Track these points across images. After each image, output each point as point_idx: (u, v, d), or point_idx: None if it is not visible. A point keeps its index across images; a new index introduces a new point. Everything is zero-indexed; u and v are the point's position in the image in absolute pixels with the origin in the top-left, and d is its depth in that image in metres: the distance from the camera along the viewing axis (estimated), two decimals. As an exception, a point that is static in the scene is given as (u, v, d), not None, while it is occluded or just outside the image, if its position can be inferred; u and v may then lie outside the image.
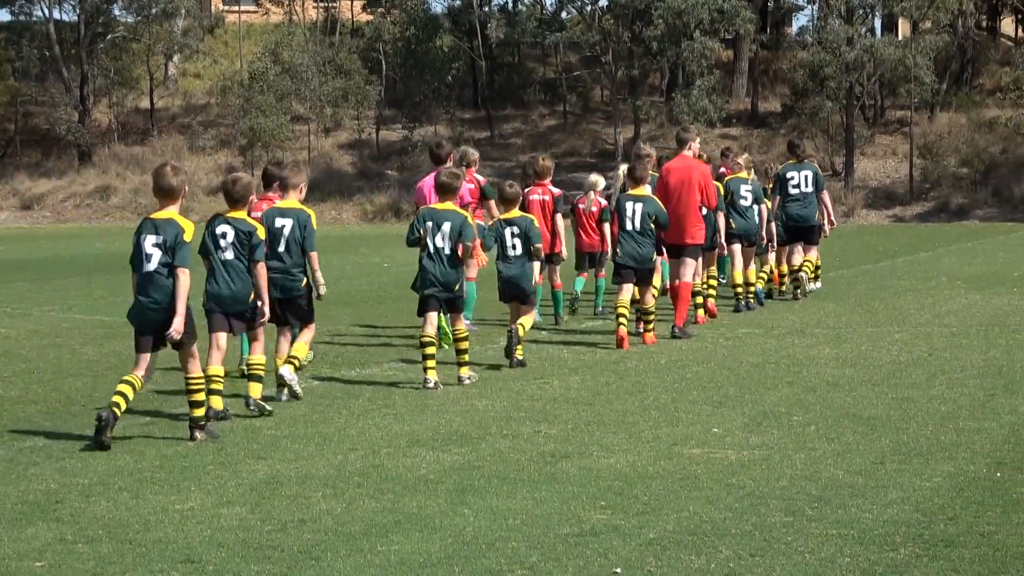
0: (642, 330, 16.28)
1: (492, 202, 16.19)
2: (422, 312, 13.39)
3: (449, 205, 13.47)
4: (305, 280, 12.71)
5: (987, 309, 19.31)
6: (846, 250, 31.86)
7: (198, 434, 10.65)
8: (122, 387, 10.53)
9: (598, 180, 19.29)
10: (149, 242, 10.63)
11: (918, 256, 31.66)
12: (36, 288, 24.33)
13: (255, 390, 11.80)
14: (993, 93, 58.20)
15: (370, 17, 64.95)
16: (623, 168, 17.99)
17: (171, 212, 10.73)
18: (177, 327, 10.50)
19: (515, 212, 14.90)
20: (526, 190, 17.45)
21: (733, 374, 13.67)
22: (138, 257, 10.69)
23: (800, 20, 70.68)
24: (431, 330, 13.27)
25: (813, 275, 21.37)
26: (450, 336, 14.32)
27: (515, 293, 14.78)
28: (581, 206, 18.95)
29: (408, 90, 61.08)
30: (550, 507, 8.33)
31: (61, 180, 60.87)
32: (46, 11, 62.83)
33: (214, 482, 9.16)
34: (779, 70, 62.77)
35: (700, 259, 17.51)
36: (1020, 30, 66.32)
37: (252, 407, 11.71)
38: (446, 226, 13.26)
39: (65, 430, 11.11)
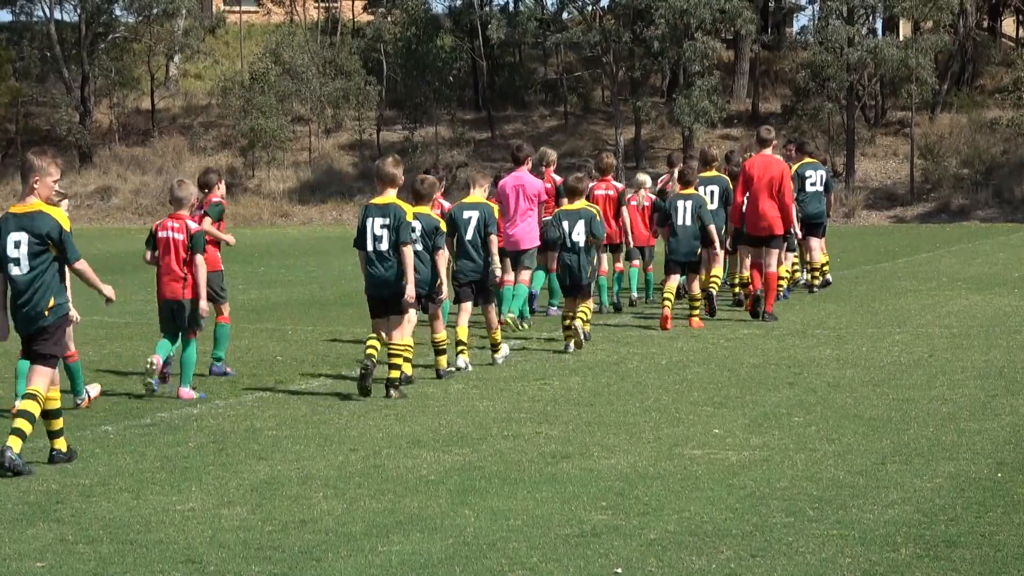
0: (689, 314, 17.66)
1: (565, 200, 16.86)
2: (567, 295, 15.79)
3: (583, 203, 15.70)
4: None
5: (988, 310, 19.31)
6: (847, 251, 31.84)
7: (393, 392, 12.41)
8: (371, 342, 12.49)
9: (646, 179, 20.54)
10: (377, 224, 12.38)
11: (919, 257, 31.64)
12: (37, 288, 24.26)
13: (443, 362, 13.71)
14: (994, 94, 58.10)
15: (371, 17, 64.85)
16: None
17: (391, 197, 12.48)
18: (411, 293, 12.40)
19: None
20: (590, 185, 18.75)
21: (734, 375, 13.67)
22: (365, 238, 12.43)
23: (801, 20, 70.67)
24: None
25: (819, 273, 22.27)
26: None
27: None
28: (633, 203, 19.64)
29: (409, 91, 60.99)
30: (551, 508, 8.34)
31: (62, 181, 60.39)
32: (47, 11, 62.76)
33: (215, 483, 9.16)
34: (780, 70, 62.72)
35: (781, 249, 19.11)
36: (1021, 30, 66.27)
37: (443, 375, 13.62)
38: (580, 224, 15.42)
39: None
